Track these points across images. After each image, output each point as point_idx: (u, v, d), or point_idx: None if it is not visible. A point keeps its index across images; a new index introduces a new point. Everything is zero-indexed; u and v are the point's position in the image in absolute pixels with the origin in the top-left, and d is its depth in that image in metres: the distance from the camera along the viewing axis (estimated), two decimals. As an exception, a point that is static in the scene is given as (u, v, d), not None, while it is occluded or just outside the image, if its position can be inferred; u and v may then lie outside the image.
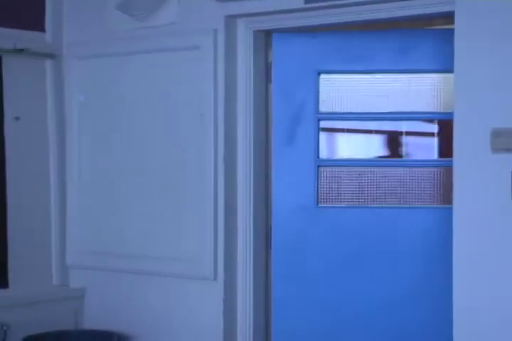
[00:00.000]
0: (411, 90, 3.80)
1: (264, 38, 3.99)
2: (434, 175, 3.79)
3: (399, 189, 3.81)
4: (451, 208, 3.43)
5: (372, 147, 4.03)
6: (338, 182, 3.89)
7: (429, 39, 3.70)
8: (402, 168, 3.83)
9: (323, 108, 3.88)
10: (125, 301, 4.24)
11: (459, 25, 3.33)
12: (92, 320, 4.34)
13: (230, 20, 3.91)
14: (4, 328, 4.04)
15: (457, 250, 3.33)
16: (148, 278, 4.14)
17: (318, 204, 3.87)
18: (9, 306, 4.08)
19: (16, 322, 4.08)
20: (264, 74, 4.00)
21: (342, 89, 3.91)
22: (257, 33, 3.94)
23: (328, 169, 3.90)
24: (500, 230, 3.25)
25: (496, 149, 3.24)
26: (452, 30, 3.37)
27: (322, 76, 3.88)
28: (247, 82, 3.93)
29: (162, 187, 4.10)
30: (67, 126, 4.39)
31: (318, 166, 3.88)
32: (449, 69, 3.48)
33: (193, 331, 4.01)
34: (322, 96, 3.89)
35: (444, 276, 3.55)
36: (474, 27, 3.30)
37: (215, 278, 3.91)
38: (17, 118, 4.24)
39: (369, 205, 3.82)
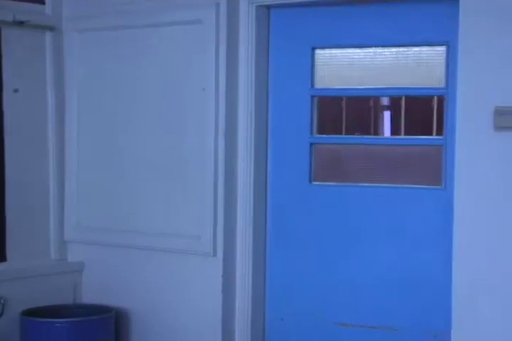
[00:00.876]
0: (409, 64, 3.75)
1: (267, 13, 3.95)
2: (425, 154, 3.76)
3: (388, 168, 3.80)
4: (442, 189, 3.48)
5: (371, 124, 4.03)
6: (331, 160, 3.89)
7: (423, 11, 3.62)
8: (396, 147, 3.81)
9: (318, 83, 3.87)
10: (123, 276, 4.24)
11: (464, 5, 3.30)
12: (90, 294, 4.34)
13: (233, -6, 3.88)
14: (2, 302, 4.04)
15: (458, 231, 3.33)
16: (147, 254, 4.13)
17: (312, 181, 3.88)
18: (7, 280, 4.08)
19: (14, 296, 4.08)
20: (266, 49, 3.97)
21: (337, 64, 3.88)
22: (259, 8, 3.91)
23: (321, 146, 3.91)
24: (504, 208, 3.24)
25: (499, 127, 3.23)
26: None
27: (317, 51, 3.86)
28: (248, 57, 3.90)
29: (163, 163, 4.08)
30: (66, 99, 4.37)
31: (311, 144, 3.88)
32: (446, 42, 3.49)
33: (191, 306, 4.01)
34: (317, 72, 3.86)
35: (435, 259, 3.56)
36: (480, 4, 3.27)
37: (215, 254, 3.91)
38: (16, 91, 4.21)
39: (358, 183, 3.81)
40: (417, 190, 3.67)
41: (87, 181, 4.35)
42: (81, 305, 4.32)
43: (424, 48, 3.66)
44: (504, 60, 3.24)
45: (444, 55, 3.56)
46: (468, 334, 3.34)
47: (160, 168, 4.10)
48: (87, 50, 4.31)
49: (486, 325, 3.31)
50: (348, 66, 3.85)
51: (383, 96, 3.84)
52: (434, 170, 3.65)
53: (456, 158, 3.33)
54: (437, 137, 3.66)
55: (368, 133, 4.17)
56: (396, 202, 3.69)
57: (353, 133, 4.24)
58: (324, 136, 3.93)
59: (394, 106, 4.39)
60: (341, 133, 4.21)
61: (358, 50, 3.81)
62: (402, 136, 3.81)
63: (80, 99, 4.34)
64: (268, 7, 3.92)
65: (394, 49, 3.72)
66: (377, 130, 4.25)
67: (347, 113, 4.31)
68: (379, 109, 4.53)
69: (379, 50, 3.75)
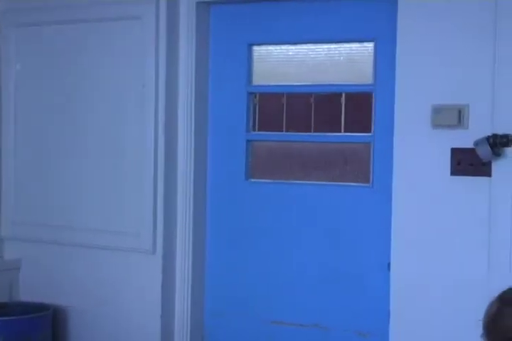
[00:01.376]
0: (340, 61, 3.78)
1: (207, 10, 3.95)
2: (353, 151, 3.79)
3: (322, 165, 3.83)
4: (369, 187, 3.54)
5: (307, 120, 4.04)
6: (267, 158, 3.91)
7: (353, 8, 3.64)
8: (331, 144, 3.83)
9: (255, 80, 3.88)
10: (61, 273, 4.20)
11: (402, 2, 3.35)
12: (28, 292, 4.29)
13: (173, -10, 3.87)
14: None
15: (396, 228, 3.37)
16: (86, 251, 4.10)
17: (249, 178, 3.90)
18: None
19: (-50, 295, 4.03)
20: (206, 45, 3.96)
21: (272, 61, 3.90)
22: (200, 5, 3.90)
23: (258, 144, 3.93)
24: (441, 206, 3.29)
25: (437, 125, 3.28)
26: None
27: (254, 48, 3.88)
28: (188, 53, 3.89)
29: (101, 158, 4.06)
30: (2, 94, 4.30)
31: (248, 141, 3.89)
32: (373, 39, 3.54)
33: (130, 304, 4.00)
34: (255, 69, 3.88)
35: (368, 258, 3.60)
36: (419, 2, 3.31)
37: (154, 252, 3.90)
38: (-49, 86, 4.14)
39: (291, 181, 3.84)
40: (347, 187, 3.69)
41: (25, 177, 4.30)
42: (18, 303, 4.27)
43: (354, 45, 3.70)
44: (441, 57, 3.28)
45: (372, 52, 3.60)
46: (405, 334, 3.37)
47: (99, 164, 4.07)
48: (24, 45, 4.25)
49: (421, 325, 3.35)
50: (283, 63, 3.88)
51: (315, 93, 3.86)
52: (362, 168, 3.68)
53: (394, 156, 3.37)
54: (365, 134, 3.68)
55: (304, 131, 4.17)
56: (327, 199, 3.71)
57: (288, 131, 4.26)
58: (261, 132, 3.95)
59: (324, 103, 4.41)
60: (281, 130, 4.23)
61: (292, 47, 3.83)
62: (331, 133, 3.82)
63: (16, 93, 4.28)
64: (208, 3, 3.91)
65: (326, 45, 3.75)
66: (310, 127, 4.26)
67: (282, 109, 4.32)
68: (312, 106, 4.55)
69: (312, 46, 3.78)
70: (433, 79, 3.30)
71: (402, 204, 3.36)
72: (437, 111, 3.28)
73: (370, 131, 3.63)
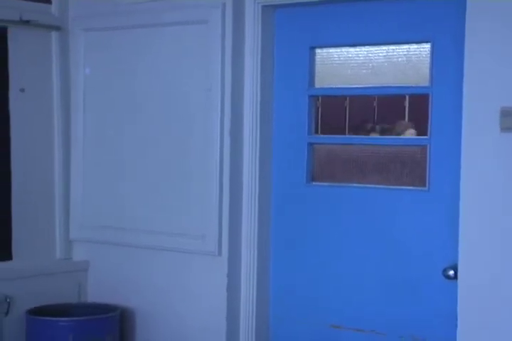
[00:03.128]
0: (400, 62, 3.73)
1: (272, 13, 3.95)
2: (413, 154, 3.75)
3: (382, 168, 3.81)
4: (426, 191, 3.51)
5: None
6: (328, 160, 3.90)
7: (410, 9, 3.60)
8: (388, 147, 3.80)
9: (318, 83, 3.87)
10: (128, 275, 4.25)
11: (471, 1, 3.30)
12: (96, 294, 4.35)
13: (238, -6, 3.89)
14: (8, 300, 4.06)
15: (463, 232, 3.31)
16: (152, 253, 4.14)
17: (310, 181, 3.89)
18: (13, 279, 4.09)
19: (20, 295, 4.10)
20: (271, 49, 3.97)
21: (335, 64, 3.89)
22: (265, 8, 3.90)
23: (320, 147, 3.93)
24: (510, 210, 3.23)
25: (505, 128, 3.23)
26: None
27: (317, 50, 3.88)
28: (254, 57, 3.90)
29: (168, 162, 4.09)
30: (72, 99, 4.38)
31: (309, 143, 3.89)
32: (430, 40, 3.50)
33: (196, 306, 4.02)
34: (318, 71, 3.87)
35: (428, 262, 3.56)
36: (487, 4, 3.26)
37: (220, 254, 3.91)
38: (22, 90, 4.22)
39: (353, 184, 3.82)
40: (404, 191, 3.65)
41: (93, 180, 4.36)
42: (86, 304, 4.34)
43: (412, 46, 3.66)
44: (510, 59, 3.23)
45: (429, 53, 3.56)
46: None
47: (165, 167, 4.10)
48: (93, 50, 4.32)
49: (490, 332, 3.29)
50: (343, 65, 3.86)
51: (373, 95, 3.83)
52: (419, 171, 3.64)
53: (462, 159, 3.32)
54: (422, 137, 3.63)
55: (362, 133, 4.15)
56: (385, 203, 3.67)
57: (346, 134, 4.26)
58: (322, 136, 3.94)
59: (387, 105, 4.39)
60: (344, 133, 4.22)
61: (352, 49, 3.82)
62: (388, 136, 3.79)
63: (85, 98, 4.35)
64: (273, 7, 3.92)
65: (384, 47, 3.73)
66: (370, 129, 4.23)
67: (345, 112, 4.32)
68: (376, 108, 4.53)
69: (371, 48, 3.76)
70: (501, 81, 3.24)
71: (469, 208, 3.31)
72: (506, 113, 3.23)
73: (426, 134, 3.59)
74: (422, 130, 3.63)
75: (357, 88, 3.82)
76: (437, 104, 3.53)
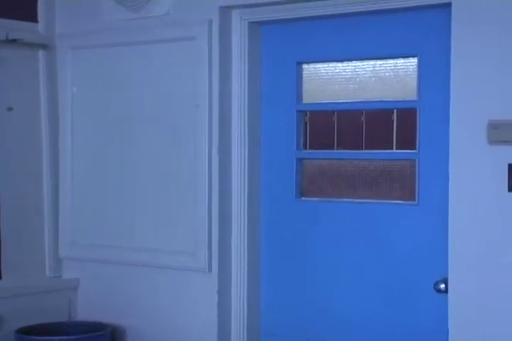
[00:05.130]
0: (387, 77, 3.75)
1: (258, 30, 3.97)
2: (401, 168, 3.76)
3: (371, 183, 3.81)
4: (415, 205, 3.52)
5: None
6: (318, 175, 3.90)
7: (396, 23, 3.62)
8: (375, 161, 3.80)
9: (305, 98, 3.89)
10: (118, 293, 4.23)
11: (456, 13, 3.31)
12: (86, 312, 4.33)
13: (225, 11, 3.89)
14: (-3, 319, 4.04)
15: (452, 245, 3.32)
16: (142, 270, 4.13)
17: (300, 196, 3.90)
18: (2, 298, 4.07)
19: (10, 314, 4.07)
20: (258, 65, 3.99)
21: (322, 79, 3.90)
22: (252, 24, 3.92)
23: (309, 162, 3.94)
24: (498, 223, 3.24)
25: (493, 141, 3.24)
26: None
27: (303, 66, 3.89)
28: (241, 73, 3.91)
29: (156, 178, 4.09)
30: (60, 117, 4.38)
31: (298, 159, 3.90)
32: (417, 54, 3.53)
33: (187, 322, 4.01)
34: (305, 86, 3.89)
35: (420, 275, 3.56)
36: (473, 17, 3.28)
37: (210, 270, 3.91)
38: (10, 109, 4.22)
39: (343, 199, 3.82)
40: (393, 205, 3.66)
41: (82, 198, 4.35)
42: (77, 322, 4.31)
43: (399, 61, 3.68)
44: (498, 71, 3.24)
45: (416, 67, 3.58)
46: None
47: (154, 184, 4.10)
48: (80, 68, 4.32)
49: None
50: (330, 80, 3.88)
51: (361, 110, 3.86)
52: (408, 185, 3.64)
53: (450, 172, 3.34)
54: (411, 151, 3.64)
55: (354, 148, 4.15)
56: (375, 217, 3.68)
57: (338, 148, 4.25)
58: (311, 151, 3.95)
59: (375, 120, 4.39)
60: (332, 148, 4.22)
61: (339, 64, 3.83)
62: (377, 151, 3.80)
63: (73, 116, 4.35)
64: (260, 23, 3.93)
65: (372, 62, 3.75)
66: (356, 144, 4.23)
67: (333, 127, 4.32)
68: (364, 123, 4.54)
69: (358, 63, 3.78)
70: (489, 93, 3.26)
71: (458, 221, 3.32)
72: (494, 126, 3.24)
73: (415, 148, 3.60)
74: (409, 144, 3.65)
75: (344, 103, 3.84)
76: (425, 118, 3.55)
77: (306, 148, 3.95)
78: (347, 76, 3.83)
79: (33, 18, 4.29)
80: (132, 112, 4.17)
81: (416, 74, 3.58)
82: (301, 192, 3.91)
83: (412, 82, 3.61)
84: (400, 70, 3.70)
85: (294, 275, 3.89)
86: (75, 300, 4.37)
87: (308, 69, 3.90)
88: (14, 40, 4.14)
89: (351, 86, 3.82)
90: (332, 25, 3.76)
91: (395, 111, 3.91)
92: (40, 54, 4.31)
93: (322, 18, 3.75)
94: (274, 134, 3.95)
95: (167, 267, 4.04)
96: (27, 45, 4.22)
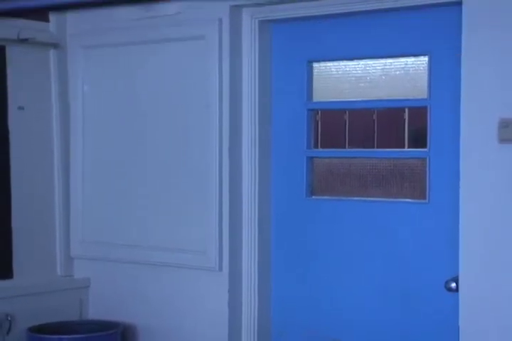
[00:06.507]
0: (398, 75, 3.74)
1: (269, 28, 3.96)
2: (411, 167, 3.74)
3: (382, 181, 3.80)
4: (426, 203, 3.49)
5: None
6: (328, 174, 3.89)
7: (407, 22, 3.61)
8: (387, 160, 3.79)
9: (316, 96, 3.88)
10: (130, 291, 4.24)
11: (467, 12, 3.30)
12: (97, 311, 4.34)
13: (235, 10, 3.89)
14: (9, 318, 4.04)
15: (464, 244, 3.31)
16: (152, 269, 4.13)
17: (310, 195, 3.88)
18: (14, 297, 4.08)
19: (21, 313, 4.08)
20: (269, 64, 3.98)
21: (332, 77, 3.90)
22: (262, 23, 3.92)
23: (319, 160, 3.92)
24: (509, 222, 3.22)
25: (504, 139, 3.23)
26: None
27: (314, 64, 3.88)
28: (251, 71, 3.91)
29: (167, 178, 4.09)
30: (71, 116, 4.38)
31: (308, 157, 3.88)
32: (428, 52, 3.51)
33: (198, 321, 4.01)
34: (316, 85, 3.88)
35: (430, 273, 3.54)
36: (484, 16, 3.27)
37: (220, 269, 3.91)
38: (21, 108, 4.23)
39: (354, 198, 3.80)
40: (404, 204, 3.65)
41: (93, 197, 4.36)
42: (88, 321, 4.32)
43: (409, 59, 3.67)
44: (508, 70, 3.23)
45: (427, 66, 3.57)
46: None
47: (164, 183, 4.10)
48: (91, 67, 4.33)
49: None
50: (341, 79, 3.87)
51: (371, 108, 3.84)
52: (418, 184, 3.63)
53: (460, 171, 3.33)
54: (421, 149, 3.64)
55: (363, 147, 4.16)
56: (387, 216, 3.67)
57: (346, 147, 4.25)
58: (321, 149, 3.94)
59: (386, 118, 4.39)
60: (343, 147, 4.21)
61: (349, 63, 3.83)
62: (387, 149, 3.78)
63: (84, 115, 4.36)
64: (270, 21, 3.93)
65: (382, 60, 3.74)
66: (368, 143, 4.24)
67: (344, 126, 4.32)
68: (375, 122, 4.53)
69: (369, 61, 3.77)
70: (500, 92, 3.25)
71: (469, 219, 3.31)
72: (505, 124, 3.23)
73: (425, 147, 3.59)
74: (421, 142, 3.63)
75: (355, 101, 3.83)
76: (436, 117, 3.54)
77: (316, 147, 3.94)
78: (357, 74, 3.82)
79: (44, 17, 4.30)
80: (143, 111, 4.17)
81: (427, 72, 3.57)
82: (312, 191, 3.91)
83: (423, 81, 3.60)
84: (411, 69, 3.69)
85: (305, 274, 3.88)
86: (86, 299, 4.38)
87: (318, 67, 3.90)
88: (25, 40, 4.16)
89: (362, 84, 3.82)
90: (342, 24, 3.75)
91: (406, 109, 3.91)
92: (51, 53, 4.32)
93: (332, 17, 3.75)
94: (284, 133, 3.94)
95: (178, 266, 4.04)
96: (38, 45, 4.23)
